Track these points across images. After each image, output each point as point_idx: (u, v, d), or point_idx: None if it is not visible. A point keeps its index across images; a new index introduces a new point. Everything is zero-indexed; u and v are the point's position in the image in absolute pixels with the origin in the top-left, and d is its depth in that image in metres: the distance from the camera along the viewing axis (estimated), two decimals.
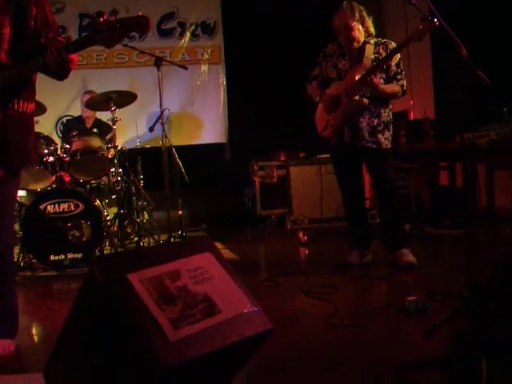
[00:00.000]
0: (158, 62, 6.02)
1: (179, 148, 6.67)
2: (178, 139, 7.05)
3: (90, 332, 2.09)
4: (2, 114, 2.96)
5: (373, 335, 3.20)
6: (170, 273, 2.09)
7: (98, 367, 2.11)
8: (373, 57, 4.52)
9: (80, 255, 5.32)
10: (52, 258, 5.30)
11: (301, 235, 6.18)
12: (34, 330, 3.84)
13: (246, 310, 2.17)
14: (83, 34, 2.89)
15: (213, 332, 2.02)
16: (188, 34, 8.70)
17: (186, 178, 6.41)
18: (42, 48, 2.94)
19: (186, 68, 6.34)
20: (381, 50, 4.56)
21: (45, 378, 2.45)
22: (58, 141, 6.39)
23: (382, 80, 4.51)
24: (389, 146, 4.63)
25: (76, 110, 7.76)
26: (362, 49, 4.55)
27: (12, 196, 3.26)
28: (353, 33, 4.49)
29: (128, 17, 2.64)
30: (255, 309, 2.21)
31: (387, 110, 4.62)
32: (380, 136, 4.57)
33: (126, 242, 5.97)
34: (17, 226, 5.56)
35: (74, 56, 2.94)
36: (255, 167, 7.69)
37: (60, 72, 2.99)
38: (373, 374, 2.54)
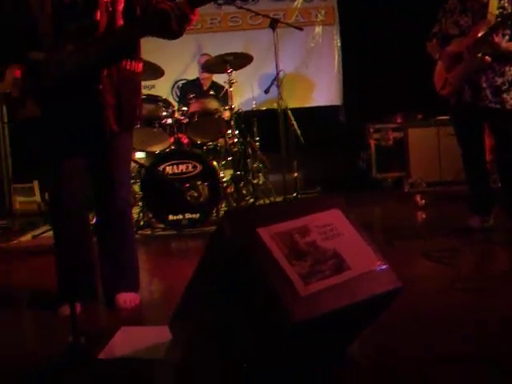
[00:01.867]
0: (274, 24, 5.96)
1: (293, 110, 6.64)
2: (292, 101, 6.98)
3: (217, 285, 2.11)
4: (116, 73, 3.09)
5: (496, 300, 3.06)
6: (299, 228, 2.07)
7: (225, 321, 2.13)
8: (497, 12, 4.30)
9: (197, 215, 5.42)
10: (171, 217, 5.42)
11: (418, 199, 6.04)
12: (154, 286, 3.94)
13: (375, 268, 2.13)
14: None
15: (342, 288, 1.99)
16: None
17: (302, 139, 6.38)
18: (152, 11, 3.03)
19: (301, 29, 6.25)
20: (506, 4, 4.32)
21: (171, 330, 2.51)
22: (174, 104, 6.49)
23: (507, 37, 4.29)
24: None
25: (191, 74, 7.88)
26: (485, 4, 4.33)
27: (127, 152, 3.40)
28: None
29: None
30: (384, 266, 2.16)
31: None
32: (505, 96, 4.36)
33: (242, 204, 6.01)
34: (137, 187, 5.73)
35: (196, 11, 2.96)
36: (371, 130, 7.55)
37: (180, 30, 3.01)
38: (495, 338, 2.45)
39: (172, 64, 7.73)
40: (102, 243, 3.37)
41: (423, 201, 5.98)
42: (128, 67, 3.13)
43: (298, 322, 1.84)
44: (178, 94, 7.97)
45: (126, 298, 3.30)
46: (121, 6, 3.06)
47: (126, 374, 2.39)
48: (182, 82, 8.10)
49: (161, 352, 2.55)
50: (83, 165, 3.22)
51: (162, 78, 6.47)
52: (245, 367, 1.98)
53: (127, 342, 2.75)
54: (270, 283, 1.88)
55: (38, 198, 7.40)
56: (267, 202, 6.07)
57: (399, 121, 7.54)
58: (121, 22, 3.05)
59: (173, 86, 8.41)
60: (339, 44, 8.57)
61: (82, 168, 3.22)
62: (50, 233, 5.62)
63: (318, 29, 8.58)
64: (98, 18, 2.99)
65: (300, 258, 1.98)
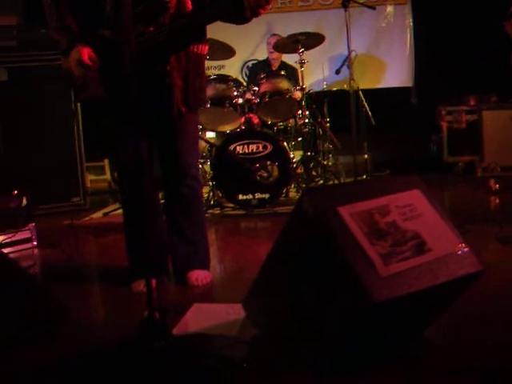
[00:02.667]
0: (346, 3, 5.88)
1: (364, 91, 6.56)
2: (363, 82, 6.87)
3: (295, 263, 2.10)
4: (184, 56, 3.10)
5: None
6: (380, 208, 2.04)
7: (302, 298, 2.12)
8: None
9: (267, 195, 5.40)
10: (240, 197, 5.42)
11: (492, 183, 5.88)
12: (224, 264, 3.95)
13: (456, 250, 2.08)
14: None
15: (423, 270, 1.96)
16: None
17: (372, 121, 6.30)
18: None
19: (374, 8, 6.19)
20: None
21: (244, 308, 2.52)
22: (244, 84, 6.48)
23: None
24: None
25: (260, 55, 7.85)
26: None
27: (194, 133, 3.43)
28: None
29: None
30: (465, 249, 2.11)
31: None
32: None
33: (312, 185, 5.98)
34: (207, 167, 5.76)
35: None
36: (443, 112, 7.36)
37: (252, 18, 2.97)
38: None
39: (241, 44, 7.70)
40: (172, 222, 3.40)
41: (497, 185, 5.82)
42: (195, 50, 3.14)
43: (378, 303, 1.82)
44: (248, 74, 7.97)
45: (198, 276, 3.33)
46: None
47: (199, 350, 2.41)
48: (251, 62, 8.08)
49: (234, 329, 2.57)
50: (152, 146, 3.24)
51: (231, 59, 6.47)
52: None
53: (200, 318, 2.77)
54: (351, 262, 1.86)
55: (108, 176, 7.53)
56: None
57: (473, 103, 7.34)
58: (189, 5, 3.04)
59: (242, 67, 8.40)
60: (411, 24, 8.38)
61: (151, 149, 3.24)
62: (121, 211, 5.77)
63: (390, 8, 8.39)
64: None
65: (380, 238, 1.96)
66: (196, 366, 2.25)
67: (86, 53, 2.99)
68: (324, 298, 2.00)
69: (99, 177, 7.54)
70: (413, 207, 2.12)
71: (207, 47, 3.26)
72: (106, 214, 5.73)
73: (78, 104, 6.08)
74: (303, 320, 2.12)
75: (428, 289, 1.94)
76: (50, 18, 3.10)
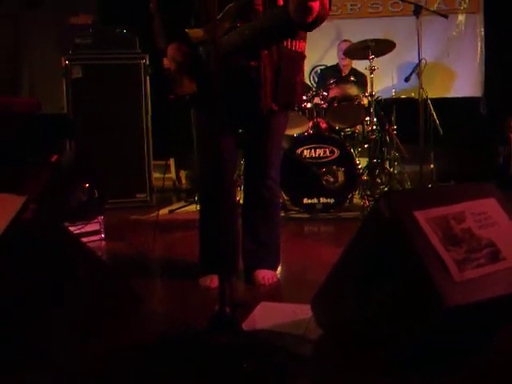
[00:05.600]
0: (418, 11, 5.85)
1: (432, 100, 6.53)
2: (431, 91, 6.81)
3: (369, 266, 2.12)
4: (277, 52, 3.06)
5: None
6: (455, 214, 2.05)
7: (371, 302, 2.14)
8: None
9: (332, 200, 5.44)
10: (305, 201, 5.47)
11: None
12: (288, 266, 3.96)
13: None
14: None
15: (497, 278, 1.96)
16: None
17: (441, 130, 6.26)
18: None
19: (446, 17, 6.11)
20: None
21: (312, 308, 2.55)
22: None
23: None
24: None
25: (329, 60, 7.86)
26: None
27: (281, 133, 3.39)
28: None
29: None
30: None
31: None
32: None
33: (377, 192, 5.98)
34: None
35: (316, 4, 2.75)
36: (511, 124, 7.28)
37: (303, 20, 2.83)
38: None
39: (310, 49, 7.64)
40: (247, 221, 3.43)
41: None
42: (289, 46, 3.08)
43: (452, 308, 1.83)
44: (316, 79, 7.99)
45: (265, 275, 3.37)
46: None
47: (267, 345, 2.45)
48: (320, 67, 8.10)
49: (301, 328, 2.59)
50: (236, 143, 3.28)
51: None
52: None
53: (267, 315, 2.81)
54: (426, 266, 1.88)
55: (173, 175, 7.65)
56: None
57: None
58: (281, 1, 2.97)
59: (310, 71, 8.42)
60: (483, 33, 8.27)
61: (235, 146, 3.28)
62: (186, 209, 5.88)
63: (461, 17, 8.29)
64: None
65: (455, 244, 1.97)
66: (263, 360, 2.28)
67: (177, 48, 3.08)
68: (395, 302, 2.02)
69: (164, 175, 7.65)
70: (488, 215, 2.12)
71: (305, 44, 3.18)
72: (171, 212, 5.85)
73: (149, 102, 6.23)
74: (373, 323, 2.14)
75: (502, 297, 1.95)
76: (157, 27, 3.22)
